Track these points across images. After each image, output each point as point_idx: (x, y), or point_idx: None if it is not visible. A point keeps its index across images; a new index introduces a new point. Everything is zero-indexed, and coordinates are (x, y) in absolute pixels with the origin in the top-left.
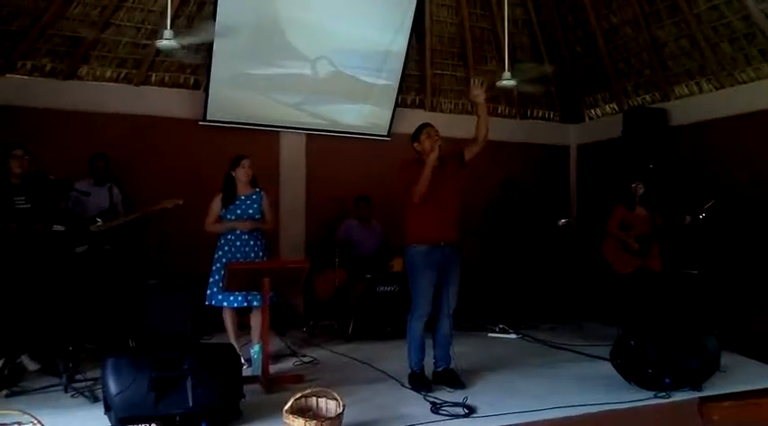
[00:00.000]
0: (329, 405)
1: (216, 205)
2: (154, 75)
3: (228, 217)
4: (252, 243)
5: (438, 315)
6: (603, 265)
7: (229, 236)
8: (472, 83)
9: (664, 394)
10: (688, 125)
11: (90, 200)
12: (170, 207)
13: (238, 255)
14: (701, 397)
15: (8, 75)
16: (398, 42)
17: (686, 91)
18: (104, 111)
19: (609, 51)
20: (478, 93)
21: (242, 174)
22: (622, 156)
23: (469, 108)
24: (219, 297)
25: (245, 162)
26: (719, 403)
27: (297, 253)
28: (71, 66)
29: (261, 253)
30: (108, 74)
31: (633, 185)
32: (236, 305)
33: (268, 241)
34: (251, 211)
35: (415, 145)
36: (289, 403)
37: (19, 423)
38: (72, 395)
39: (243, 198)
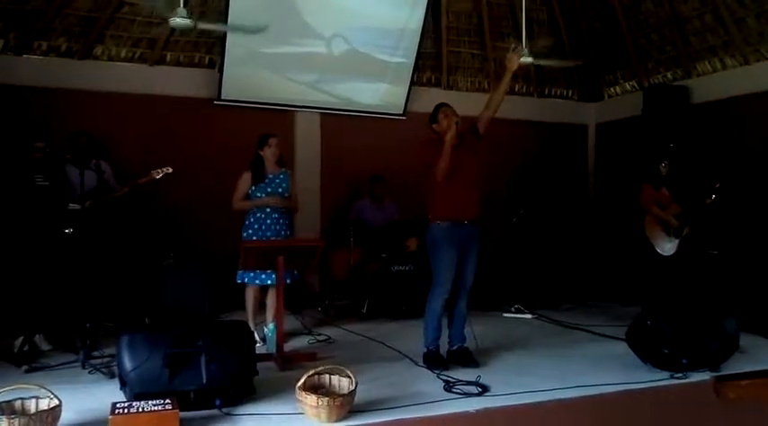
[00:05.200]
0: (342, 383)
1: (244, 183)
2: (168, 54)
3: (258, 195)
4: (282, 221)
5: (455, 293)
6: (643, 245)
7: (259, 214)
8: (511, 48)
9: (680, 374)
10: (710, 102)
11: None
12: (158, 177)
13: (268, 233)
14: (716, 376)
15: (25, 56)
16: (414, 19)
17: (709, 67)
18: (120, 91)
19: (629, 27)
20: (512, 57)
21: (270, 153)
22: (642, 135)
23: (486, 85)
24: (251, 274)
25: (273, 140)
26: (736, 382)
27: (312, 233)
28: (86, 46)
29: (289, 231)
30: (123, 53)
31: (663, 165)
32: (269, 282)
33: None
34: (280, 190)
35: (434, 126)
36: (301, 380)
37: (36, 397)
38: (89, 372)
39: (271, 176)
